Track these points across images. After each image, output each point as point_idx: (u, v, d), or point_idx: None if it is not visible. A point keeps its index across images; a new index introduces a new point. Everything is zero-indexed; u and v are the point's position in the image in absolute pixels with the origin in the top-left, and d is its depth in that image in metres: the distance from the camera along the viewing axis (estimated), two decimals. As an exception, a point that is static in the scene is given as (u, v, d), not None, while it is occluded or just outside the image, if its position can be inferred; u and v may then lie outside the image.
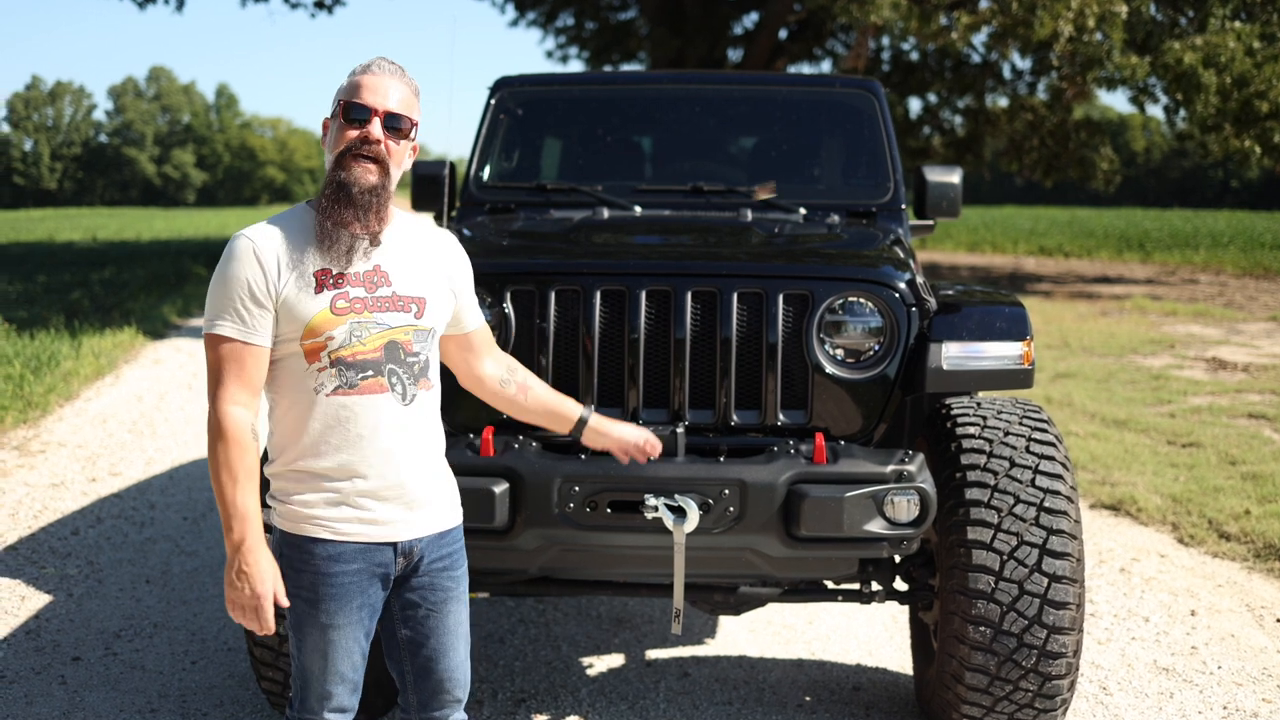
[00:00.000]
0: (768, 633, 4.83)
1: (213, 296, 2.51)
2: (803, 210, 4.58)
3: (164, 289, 18.89)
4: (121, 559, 5.71)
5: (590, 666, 4.48)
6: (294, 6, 25.64)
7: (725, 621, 4.95)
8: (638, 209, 4.58)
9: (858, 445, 3.58)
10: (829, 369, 3.60)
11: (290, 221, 2.57)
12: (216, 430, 2.47)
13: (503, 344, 3.56)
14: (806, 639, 4.77)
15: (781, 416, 3.61)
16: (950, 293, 4.00)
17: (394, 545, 2.59)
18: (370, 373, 2.53)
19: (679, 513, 3.25)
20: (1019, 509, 3.44)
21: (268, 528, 2.59)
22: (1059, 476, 3.51)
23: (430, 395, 2.64)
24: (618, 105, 5.22)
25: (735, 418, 3.60)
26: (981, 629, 3.41)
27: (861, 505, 3.31)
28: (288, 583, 2.56)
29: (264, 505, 2.59)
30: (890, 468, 3.38)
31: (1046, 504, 3.45)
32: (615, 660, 4.55)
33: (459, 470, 3.33)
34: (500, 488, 3.33)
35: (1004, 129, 23.02)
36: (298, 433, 2.53)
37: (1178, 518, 6.39)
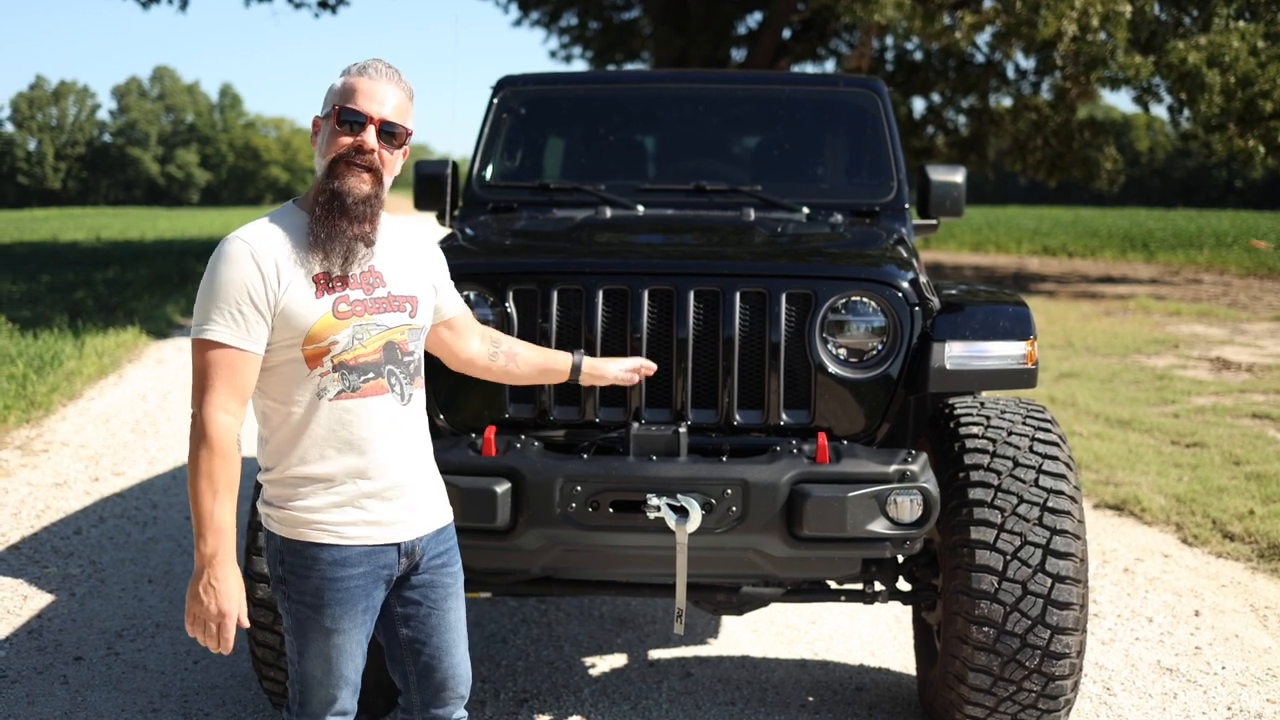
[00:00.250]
0: (770, 633, 4.82)
1: (205, 300, 2.44)
2: (806, 209, 4.58)
3: (167, 289, 18.90)
4: (124, 558, 5.71)
5: (593, 667, 4.48)
6: (298, 6, 25.65)
7: (728, 622, 4.94)
8: (640, 208, 4.57)
9: (861, 445, 3.57)
10: (832, 368, 3.59)
11: (282, 224, 2.52)
12: (201, 437, 2.41)
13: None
14: (809, 639, 4.76)
15: (784, 416, 3.60)
16: (953, 292, 3.99)
17: (398, 546, 2.58)
18: (371, 375, 2.52)
19: (681, 513, 3.25)
20: (1022, 509, 3.43)
21: (265, 535, 2.58)
22: (1063, 476, 3.50)
23: (421, 394, 2.65)
24: (620, 104, 5.22)
25: (738, 417, 3.59)
26: (985, 629, 3.40)
27: (864, 505, 3.31)
28: (289, 589, 2.55)
29: (258, 510, 2.57)
30: (893, 468, 3.37)
31: (1050, 504, 3.44)
32: (618, 660, 4.54)
33: (461, 470, 3.34)
34: (502, 487, 3.32)
35: (1008, 129, 22.99)
36: (297, 438, 2.51)
37: (1181, 518, 6.37)
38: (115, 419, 9.09)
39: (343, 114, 2.50)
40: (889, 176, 4.77)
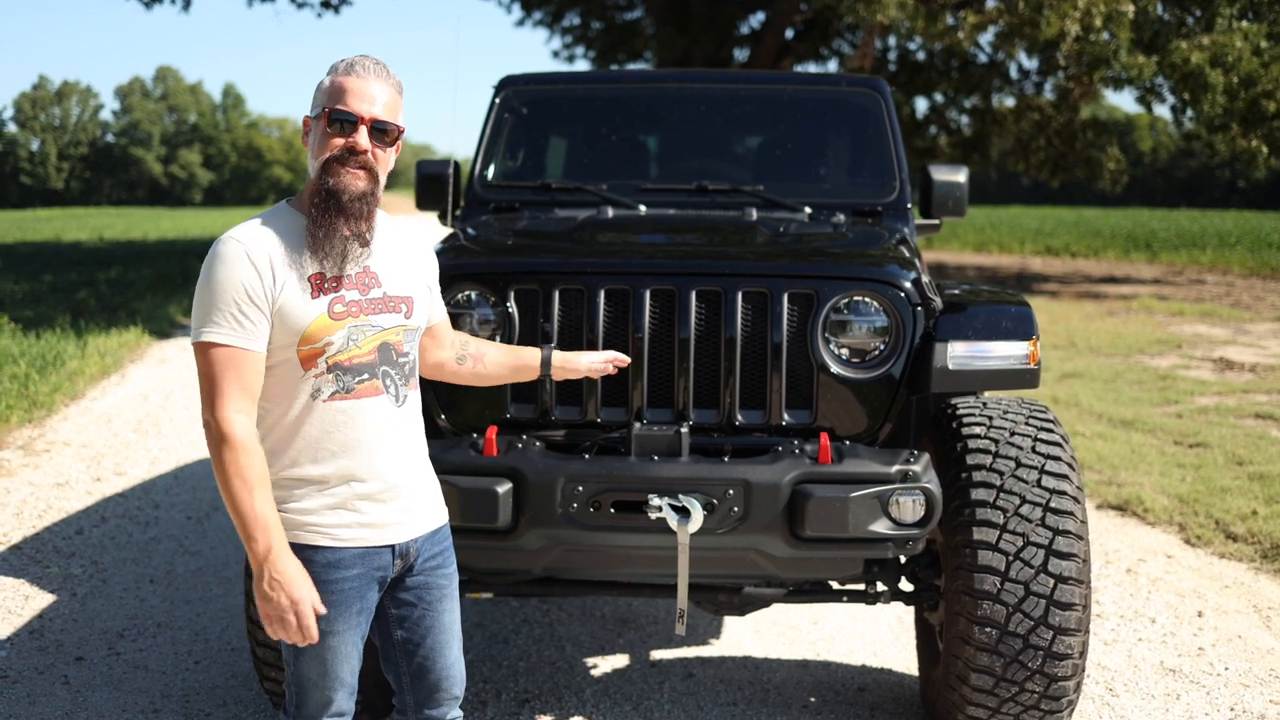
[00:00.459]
0: (772, 633, 4.82)
1: (202, 302, 2.43)
2: (808, 209, 4.57)
3: (170, 288, 18.91)
4: (125, 559, 5.71)
5: (594, 667, 4.47)
6: (300, 6, 25.63)
7: (730, 622, 4.94)
8: (642, 208, 4.57)
9: (863, 445, 3.57)
10: (834, 368, 3.59)
11: (276, 224, 2.51)
12: (223, 439, 2.38)
13: (506, 343, 3.55)
14: (811, 639, 4.75)
15: (786, 416, 3.59)
16: (956, 292, 3.98)
17: (392, 548, 2.58)
18: (366, 376, 2.51)
19: (683, 513, 3.24)
20: (1025, 509, 3.43)
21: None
22: (1065, 476, 3.49)
23: (416, 395, 2.65)
24: (622, 104, 5.21)
25: (740, 417, 3.59)
26: (987, 630, 3.40)
27: (866, 505, 3.30)
28: None
29: None
30: (895, 468, 3.36)
31: (1053, 504, 3.43)
32: (619, 661, 4.53)
33: (462, 470, 3.34)
34: (504, 488, 3.32)
35: (1010, 129, 22.97)
36: (291, 439, 2.50)
37: (1184, 518, 6.36)
38: (117, 419, 9.09)
39: (334, 115, 2.48)
40: (891, 176, 4.76)
